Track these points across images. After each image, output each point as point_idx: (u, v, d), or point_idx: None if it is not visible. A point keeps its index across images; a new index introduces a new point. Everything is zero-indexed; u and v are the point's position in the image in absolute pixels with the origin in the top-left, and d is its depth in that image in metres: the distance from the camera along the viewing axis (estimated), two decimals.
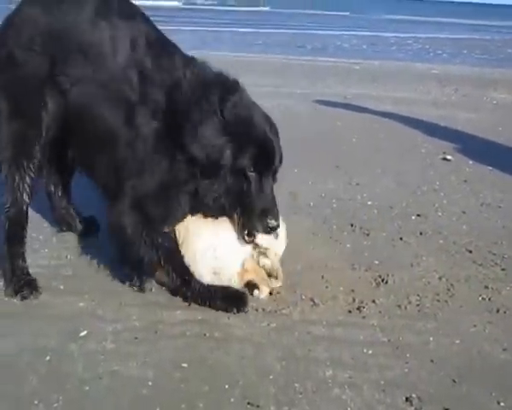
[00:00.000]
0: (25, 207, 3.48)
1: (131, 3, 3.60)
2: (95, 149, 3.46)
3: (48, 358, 2.84)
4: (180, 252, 3.41)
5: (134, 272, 3.49)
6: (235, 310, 3.30)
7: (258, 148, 3.24)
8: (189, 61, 3.44)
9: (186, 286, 3.39)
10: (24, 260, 3.52)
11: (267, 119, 3.39)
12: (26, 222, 3.51)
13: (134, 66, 3.33)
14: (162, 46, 3.48)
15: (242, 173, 3.22)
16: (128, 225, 3.33)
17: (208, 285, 3.38)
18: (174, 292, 3.45)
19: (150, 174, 3.28)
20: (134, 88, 3.30)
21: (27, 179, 3.44)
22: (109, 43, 3.34)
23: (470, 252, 4.17)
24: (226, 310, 3.30)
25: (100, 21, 3.37)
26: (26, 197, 3.46)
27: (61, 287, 3.50)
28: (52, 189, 4.08)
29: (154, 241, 3.35)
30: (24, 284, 3.41)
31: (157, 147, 3.26)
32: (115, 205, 3.37)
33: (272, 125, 3.38)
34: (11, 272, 3.46)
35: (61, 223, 4.20)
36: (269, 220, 3.26)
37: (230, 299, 3.35)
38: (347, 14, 50.00)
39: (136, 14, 3.53)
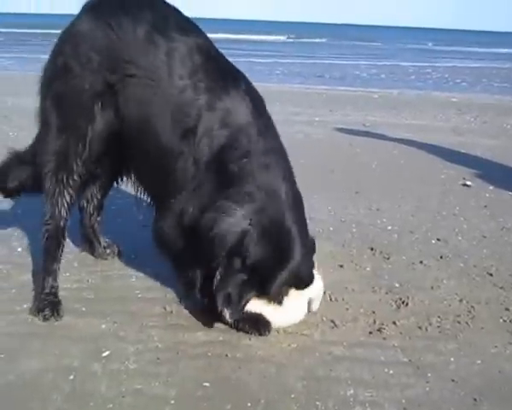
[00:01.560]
0: (62, 223, 3.52)
1: (188, 19, 3.54)
2: (150, 167, 3.48)
3: (71, 377, 2.87)
4: None
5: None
6: (256, 333, 3.32)
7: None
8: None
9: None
10: (55, 278, 3.57)
11: None
12: (64, 238, 3.57)
13: (192, 86, 3.28)
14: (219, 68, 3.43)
15: None
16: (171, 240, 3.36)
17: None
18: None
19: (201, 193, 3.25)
20: (192, 111, 3.26)
21: (66, 195, 3.49)
22: (166, 61, 3.30)
23: (491, 275, 4.16)
24: (248, 332, 3.32)
25: (157, 38, 3.31)
26: (64, 213, 3.51)
27: (84, 309, 3.54)
28: (84, 204, 4.11)
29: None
30: (47, 305, 3.45)
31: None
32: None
33: None
34: (41, 288, 3.54)
35: (83, 241, 4.26)
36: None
37: (253, 322, 3.35)
38: (365, 43, 50.33)
39: (194, 29, 3.48)
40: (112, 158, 3.73)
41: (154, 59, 3.31)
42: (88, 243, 4.24)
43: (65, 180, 3.47)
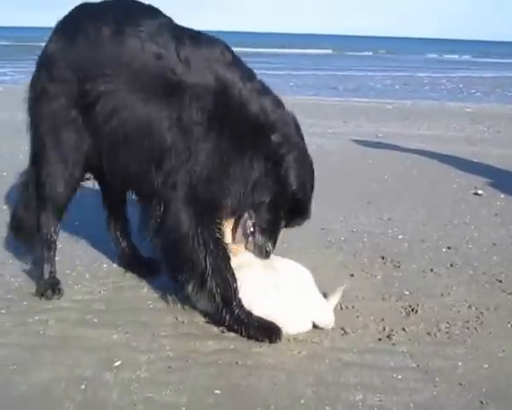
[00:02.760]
0: (59, 216, 3.85)
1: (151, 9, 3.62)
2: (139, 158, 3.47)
3: (83, 386, 2.92)
4: (230, 264, 3.44)
5: (186, 277, 3.48)
6: (267, 340, 3.34)
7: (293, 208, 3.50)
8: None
9: (226, 306, 3.41)
10: (52, 264, 3.92)
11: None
12: (59, 227, 3.90)
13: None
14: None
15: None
16: (184, 221, 3.36)
17: (247, 311, 3.40)
18: (213, 314, 3.49)
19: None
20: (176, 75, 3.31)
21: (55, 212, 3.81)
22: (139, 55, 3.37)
23: (500, 282, 4.17)
24: (258, 339, 3.35)
25: (122, 35, 3.40)
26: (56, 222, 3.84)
27: (95, 320, 3.59)
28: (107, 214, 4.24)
29: (207, 239, 3.35)
30: (48, 287, 3.80)
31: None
32: (168, 207, 3.39)
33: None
34: (41, 275, 3.89)
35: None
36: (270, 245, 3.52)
37: (264, 329, 3.38)
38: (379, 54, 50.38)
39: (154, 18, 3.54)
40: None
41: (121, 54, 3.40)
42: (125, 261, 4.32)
43: (52, 207, 3.78)
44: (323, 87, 21.12)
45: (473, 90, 21.54)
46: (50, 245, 3.89)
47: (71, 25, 3.62)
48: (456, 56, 52.33)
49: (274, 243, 3.57)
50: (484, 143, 9.74)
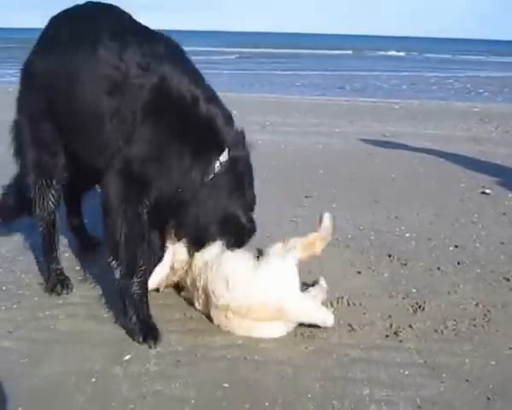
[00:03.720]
0: (51, 221, 3.94)
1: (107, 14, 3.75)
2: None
3: (94, 379, 2.97)
4: (144, 245, 3.49)
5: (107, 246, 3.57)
6: (141, 338, 3.34)
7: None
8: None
9: (126, 279, 3.43)
10: (57, 263, 4.02)
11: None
12: (55, 230, 3.98)
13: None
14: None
15: None
16: (112, 194, 3.43)
17: (143, 300, 3.45)
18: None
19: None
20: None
21: (49, 198, 3.89)
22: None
23: (508, 280, 4.17)
24: (134, 332, 3.38)
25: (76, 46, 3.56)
26: (51, 210, 3.92)
27: (105, 315, 3.64)
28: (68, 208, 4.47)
29: (129, 214, 3.40)
30: (57, 282, 3.91)
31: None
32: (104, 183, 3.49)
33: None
34: (47, 274, 4.00)
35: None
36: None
37: (146, 326, 3.39)
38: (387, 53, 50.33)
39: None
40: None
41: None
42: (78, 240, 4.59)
43: (45, 186, 3.87)
44: (330, 87, 21.13)
45: (481, 90, 21.49)
46: (52, 236, 4.00)
47: (43, 36, 3.85)
48: (463, 56, 52.05)
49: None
50: (492, 142, 9.71)
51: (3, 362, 3.11)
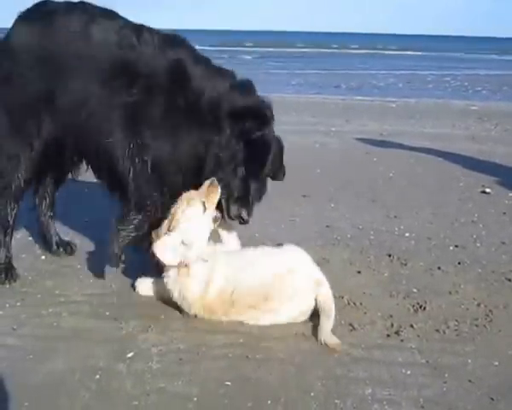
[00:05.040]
0: (10, 215, 3.97)
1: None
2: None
3: (98, 376, 2.98)
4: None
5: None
6: None
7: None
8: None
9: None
10: (8, 250, 4.06)
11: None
12: (12, 221, 4.01)
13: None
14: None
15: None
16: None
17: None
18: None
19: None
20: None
21: (14, 192, 3.90)
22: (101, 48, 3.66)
23: (509, 280, 4.19)
24: None
25: (90, 31, 3.67)
26: (13, 207, 3.95)
27: (107, 313, 3.65)
28: (37, 201, 4.40)
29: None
30: (2, 270, 4.01)
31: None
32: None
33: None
34: None
35: (40, 237, 4.55)
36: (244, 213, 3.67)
37: None
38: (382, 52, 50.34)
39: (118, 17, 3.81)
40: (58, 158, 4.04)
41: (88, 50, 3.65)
42: (43, 239, 4.53)
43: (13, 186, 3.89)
44: (326, 85, 21.10)
45: (479, 88, 21.42)
46: (7, 229, 4.02)
47: (38, 18, 3.80)
48: (460, 54, 51.90)
49: (249, 211, 3.70)
50: (491, 141, 9.73)
51: (9, 359, 3.12)
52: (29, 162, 3.83)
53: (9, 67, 3.73)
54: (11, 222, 3.99)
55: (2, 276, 3.93)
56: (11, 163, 3.80)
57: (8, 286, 3.93)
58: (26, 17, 3.81)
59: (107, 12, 3.78)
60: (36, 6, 3.81)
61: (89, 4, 3.80)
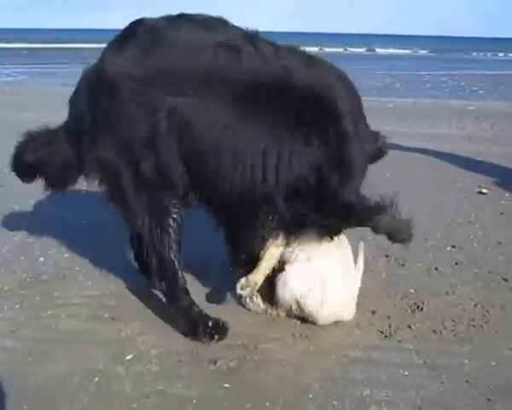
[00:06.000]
0: (177, 267, 3.47)
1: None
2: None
3: (97, 379, 3.00)
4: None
5: None
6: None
7: None
8: None
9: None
10: None
11: None
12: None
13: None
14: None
15: None
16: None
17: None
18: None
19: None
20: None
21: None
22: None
23: (506, 280, 4.20)
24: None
25: (202, 44, 3.16)
26: (176, 260, 3.46)
27: (106, 315, 3.66)
28: None
29: None
30: None
31: None
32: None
33: None
34: None
35: None
36: None
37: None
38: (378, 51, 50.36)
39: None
40: None
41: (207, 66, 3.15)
42: None
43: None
44: None
45: (475, 88, 21.40)
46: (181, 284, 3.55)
47: (139, 38, 3.23)
48: (457, 54, 52.02)
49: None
50: (488, 141, 9.70)
51: (7, 361, 3.14)
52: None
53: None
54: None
55: None
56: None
57: (6, 288, 3.94)
58: (123, 40, 3.26)
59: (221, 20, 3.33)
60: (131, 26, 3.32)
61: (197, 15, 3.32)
